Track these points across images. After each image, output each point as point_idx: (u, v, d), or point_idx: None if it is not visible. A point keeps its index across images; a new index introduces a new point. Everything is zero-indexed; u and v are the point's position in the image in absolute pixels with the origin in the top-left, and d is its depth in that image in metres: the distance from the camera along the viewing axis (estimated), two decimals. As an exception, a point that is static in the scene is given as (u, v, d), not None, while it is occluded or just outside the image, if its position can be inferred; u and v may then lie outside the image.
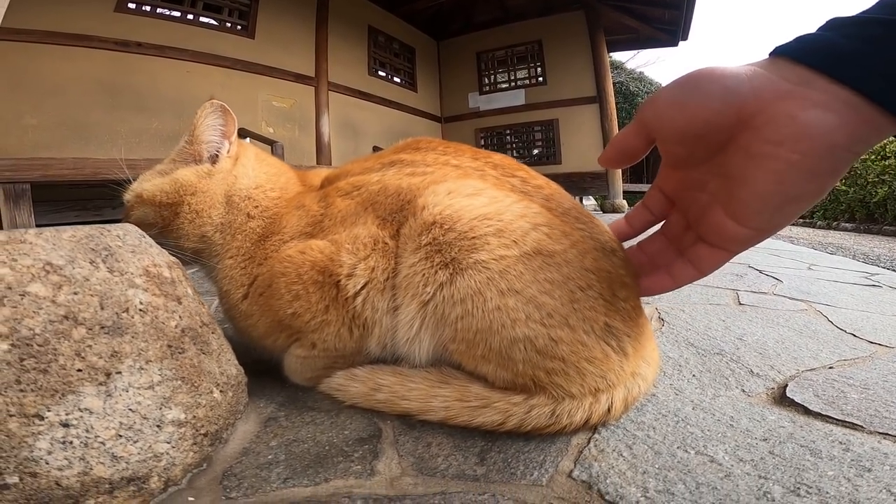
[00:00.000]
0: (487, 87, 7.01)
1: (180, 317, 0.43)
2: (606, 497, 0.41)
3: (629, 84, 13.16)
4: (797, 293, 1.37)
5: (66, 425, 0.32)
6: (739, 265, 1.92)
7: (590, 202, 11.82)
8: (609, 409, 0.51)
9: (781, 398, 0.63)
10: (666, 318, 1.06)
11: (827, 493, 0.42)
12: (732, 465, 0.47)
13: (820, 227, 6.60)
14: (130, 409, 0.35)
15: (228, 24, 4.98)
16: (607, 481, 0.44)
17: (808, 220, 7.14)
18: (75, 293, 0.35)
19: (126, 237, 0.44)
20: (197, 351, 0.43)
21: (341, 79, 5.94)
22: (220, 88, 4.80)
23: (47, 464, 0.30)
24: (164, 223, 0.58)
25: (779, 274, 1.72)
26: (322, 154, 5.72)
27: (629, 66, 14.43)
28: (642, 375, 0.54)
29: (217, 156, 0.62)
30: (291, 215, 0.61)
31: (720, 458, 0.48)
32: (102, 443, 0.33)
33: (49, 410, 0.31)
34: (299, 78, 5.49)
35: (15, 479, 0.28)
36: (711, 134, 0.35)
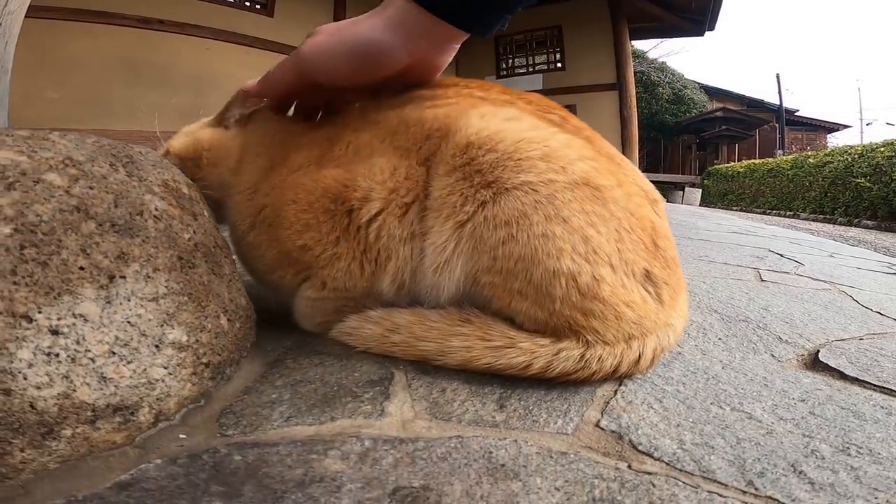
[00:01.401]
0: (505, 72, 6.91)
1: (194, 231, 0.41)
2: (639, 448, 0.39)
3: (650, 73, 12.88)
4: (820, 275, 1.33)
5: (55, 332, 0.29)
6: (759, 249, 1.87)
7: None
8: (638, 359, 0.48)
9: (814, 363, 0.60)
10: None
11: (879, 454, 0.40)
12: (773, 423, 0.44)
13: (840, 224, 6.43)
14: (129, 322, 0.33)
15: (248, 3, 5.03)
16: (639, 432, 0.41)
17: (828, 217, 6.95)
18: (90, 187, 0.32)
19: (149, 154, 0.43)
20: (208, 269, 0.41)
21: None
22: (238, 66, 4.83)
23: (25, 379, 0.27)
24: (190, 174, 0.59)
25: (800, 258, 1.67)
26: None
27: (651, 55, 14.09)
28: (674, 327, 0.52)
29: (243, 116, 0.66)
30: (300, 149, 0.59)
31: (759, 416, 0.45)
32: (92, 359, 0.30)
33: (40, 312, 0.28)
34: (317, 57, 5.48)
35: None
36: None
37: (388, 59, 0.52)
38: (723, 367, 0.57)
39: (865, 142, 8.01)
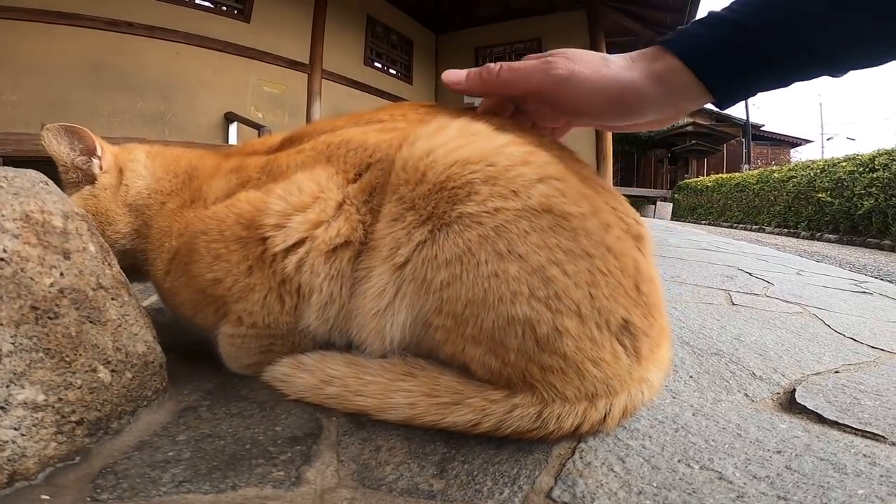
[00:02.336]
0: (484, 84, 6.97)
1: (62, 274, 0.34)
2: (593, 526, 0.33)
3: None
4: (790, 296, 1.33)
5: None
6: (728, 267, 1.87)
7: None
8: (604, 418, 0.42)
9: (790, 404, 0.56)
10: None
11: (858, 516, 0.35)
12: (745, 484, 0.38)
13: (804, 238, 6.63)
14: None
15: (224, 7, 4.89)
16: (595, 504, 0.35)
17: (792, 231, 7.17)
18: None
19: (15, 179, 0.35)
20: (79, 318, 0.34)
21: (336, 67, 5.85)
22: (210, 71, 4.73)
23: None
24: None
25: (769, 277, 1.67)
26: None
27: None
28: (649, 382, 0.45)
29: (94, 175, 0.58)
30: (216, 181, 0.53)
31: (729, 475, 0.40)
32: None
33: None
34: (292, 64, 5.39)
35: None
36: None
37: (643, 112, 0.46)
38: (693, 414, 0.52)
39: (827, 156, 8.31)
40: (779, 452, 0.44)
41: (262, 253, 0.45)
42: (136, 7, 4.26)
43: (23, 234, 0.31)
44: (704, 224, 9.45)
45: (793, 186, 7.58)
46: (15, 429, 0.28)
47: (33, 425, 0.29)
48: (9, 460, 0.28)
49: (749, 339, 0.83)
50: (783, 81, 0.44)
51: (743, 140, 14.20)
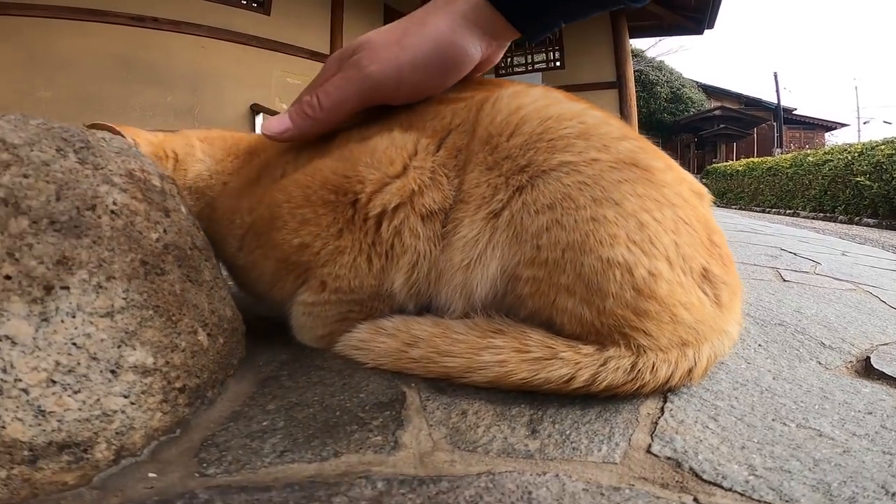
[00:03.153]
0: (504, 71, 6.87)
1: (165, 230, 0.34)
2: (704, 477, 0.32)
3: (648, 72, 12.89)
4: (840, 274, 1.28)
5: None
6: (771, 248, 1.82)
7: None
8: (691, 369, 0.42)
9: (867, 371, 0.55)
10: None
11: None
12: (847, 440, 0.38)
13: (842, 222, 6.40)
14: (74, 344, 0.26)
15: (244, 1, 4.94)
16: (699, 457, 0.34)
17: (828, 215, 6.92)
18: (25, 176, 0.26)
19: (113, 140, 0.36)
20: (182, 276, 0.34)
21: (354, 58, 5.86)
22: (234, 64, 4.79)
23: None
24: None
25: (815, 257, 1.62)
26: None
27: (650, 53, 14.05)
28: (729, 333, 0.46)
29: None
30: (281, 157, 0.53)
31: (829, 432, 0.39)
32: (25, 389, 0.24)
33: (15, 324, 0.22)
34: (313, 55, 5.42)
35: None
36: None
37: (469, 60, 0.48)
38: (773, 378, 0.50)
39: (863, 140, 8.02)
40: (870, 413, 0.43)
41: (353, 216, 0.45)
42: (161, 2, 4.33)
43: (129, 188, 0.32)
44: (735, 209, 9.19)
45: (829, 170, 7.31)
46: (125, 396, 0.28)
47: (142, 392, 0.29)
48: (117, 433, 0.28)
49: (809, 312, 0.81)
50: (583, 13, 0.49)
51: (774, 124, 13.70)
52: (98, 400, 0.27)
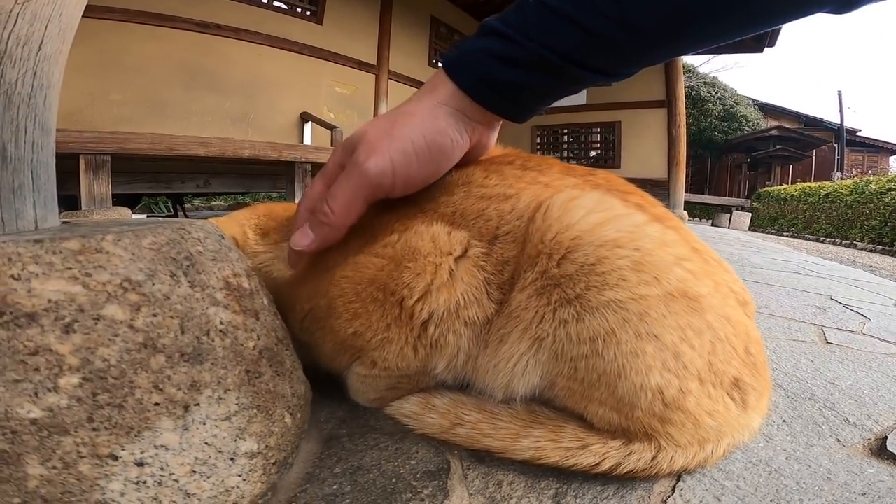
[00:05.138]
0: (549, 85, 6.84)
1: (258, 336, 0.40)
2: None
3: (700, 89, 12.44)
4: (887, 334, 1.23)
5: (140, 464, 0.28)
6: (820, 296, 1.75)
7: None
8: (707, 458, 0.46)
9: (881, 450, 0.56)
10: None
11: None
12: None
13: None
14: (206, 443, 0.32)
15: (299, 10, 5.09)
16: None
17: (888, 248, 6.46)
18: (155, 315, 0.31)
19: (207, 240, 0.41)
20: (273, 373, 0.40)
21: (401, 68, 5.97)
22: (287, 72, 4.95)
23: None
24: None
25: (865, 310, 1.55)
26: None
27: (703, 70, 13.59)
28: (751, 427, 0.49)
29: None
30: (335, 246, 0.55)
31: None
32: (176, 480, 0.30)
33: (123, 449, 0.28)
34: (361, 65, 5.57)
35: None
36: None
37: (457, 147, 0.49)
38: (786, 458, 0.53)
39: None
40: (863, 495, 0.46)
41: (400, 314, 0.49)
42: (223, 9, 4.53)
43: (230, 303, 0.37)
44: (787, 236, 8.74)
45: (891, 199, 6.83)
46: (239, 475, 0.34)
47: (250, 471, 0.35)
48: (234, 502, 0.34)
49: (844, 384, 0.80)
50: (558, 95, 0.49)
51: (835, 146, 12.94)
52: (223, 481, 0.33)
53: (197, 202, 7.04)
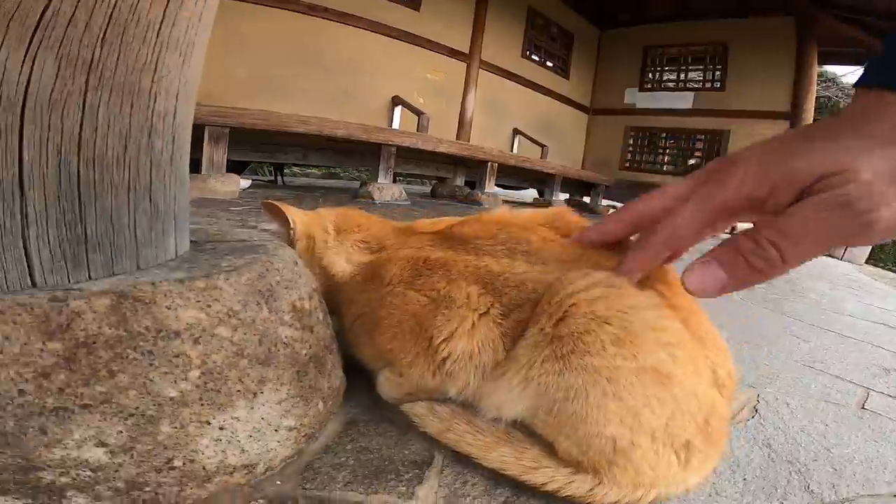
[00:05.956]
0: (650, 85, 6.44)
1: (310, 346, 0.55)
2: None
3: (840, 101, 10.90)
4: None
5: (221, 428, 0.44)
6: (892, 353, 1.57)
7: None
8: (636, 501, 0.53)
9: None
10: (763, 409, 0.95)
11: None
12: None
13: None
14: (262, 418, 0.48)
15: (400, -4, 5.22)
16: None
17: None
18: (244, 333, 0.46)
19: (284, 270, 0.56)
20: (316, 373, 0.55)
21: (493, 58, 5.97)
22: (384, 56, 5.14)
23: (202, 454, 0.43)
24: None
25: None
26: (463, 129, 5.88)
27: (847, 80, 11.80)
28: (686, 484, 0.55)
29: (294, 242, 0.76)
30: (390, 265, 0.67)
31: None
32: (238, 441, 0.45)
33: (214, 419, 0.44)
34: (453, 53, 5.64)
35: (180, 463, 0.42)
36: None
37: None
38: None
39: None
40: None
41: (428, 347, 0.61)
42: (330, -7, 4.74)
43: (293, 322, 0.52)
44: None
45: None
46: (278, 441, 0.49)
47: (286, 439, 0.49)
48: (269, 459, 0.49)
49: (839, 452, 0.78)
50: None
51: None
52: (267, 444, 0.48)
53: (296, 169, 7.70)
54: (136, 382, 0.40)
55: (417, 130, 4.72)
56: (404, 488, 0.54)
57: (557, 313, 0.54)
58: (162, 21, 0.46)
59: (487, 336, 0.60)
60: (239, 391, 0.45)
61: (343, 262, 0.74)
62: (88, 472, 0.38)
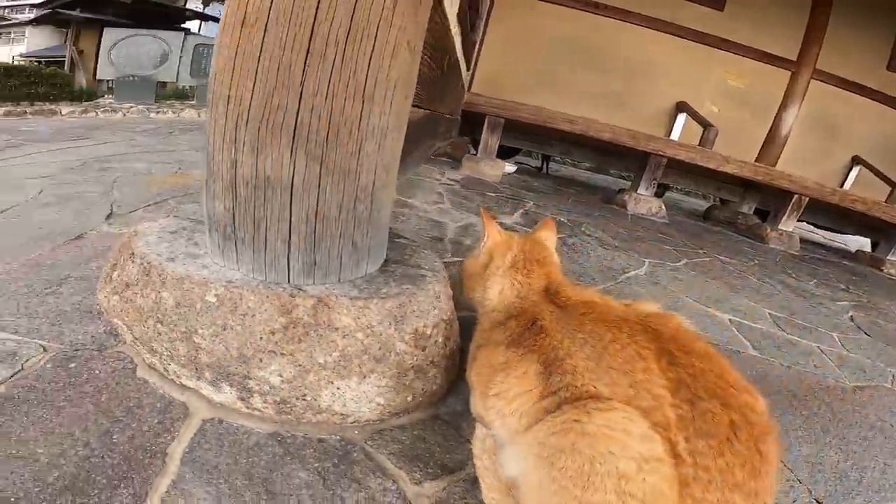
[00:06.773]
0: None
1: (417, 359, 0.79)
2: None
3: None
4: None
5: (338, 388, 0.75)
6: None
7: None
8: None
9: None
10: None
11: None
12: None
13: None
14: (364, 391, 0.76)
15: (699, -5, 4.55)
16: None
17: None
18: (372, 340, 0.73)
19: (423, 303, 0.81)
20: (414, 377, 0.80)
21: (835, 68, 4.63)
22: (670, 58, 4.68)
23: (322, 398, 0.75)
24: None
25: None
26: (773, 146, 4.88)
27: None
28: None
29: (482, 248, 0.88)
30: (499, 331, 0.77)
31: None
32: (345, 398, 0.76)
33: (335, 381, 0.74)
34: (770, 58, 4.64)
35: (310, 399, 0.74)
36: None
37: None
38: None
39: None
40: None
41: (486, 391, 0.73)
42: (615, -9, 4.50)
43: (409, 341, 0.78)
44: None
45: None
46: (367, 409, 0.77)
47: (373, 410, 0.78)
48: (358, 416, 0.78)
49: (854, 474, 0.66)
50: None
51: None
52: (360, 407, 0.79)
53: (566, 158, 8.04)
54: (307, 350, 0.75)
55: (700, 143, 4.15)
56: (420, 476, 0.75)
57: (562, 418, 0.61)
58: (360, 116, 0.71)
59: (525, 402, 0.69)
60: (356, 371, 0.76)
61: (496, 293, 0.84)
62: (267, 387, 0.75)
